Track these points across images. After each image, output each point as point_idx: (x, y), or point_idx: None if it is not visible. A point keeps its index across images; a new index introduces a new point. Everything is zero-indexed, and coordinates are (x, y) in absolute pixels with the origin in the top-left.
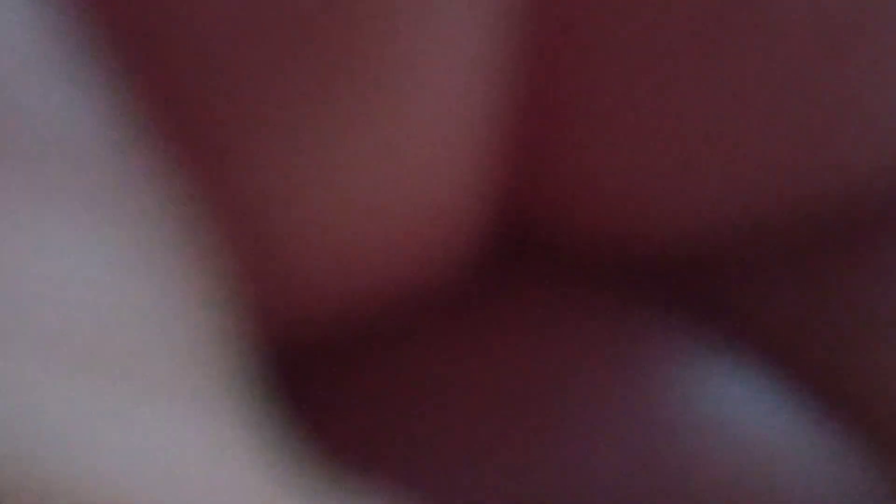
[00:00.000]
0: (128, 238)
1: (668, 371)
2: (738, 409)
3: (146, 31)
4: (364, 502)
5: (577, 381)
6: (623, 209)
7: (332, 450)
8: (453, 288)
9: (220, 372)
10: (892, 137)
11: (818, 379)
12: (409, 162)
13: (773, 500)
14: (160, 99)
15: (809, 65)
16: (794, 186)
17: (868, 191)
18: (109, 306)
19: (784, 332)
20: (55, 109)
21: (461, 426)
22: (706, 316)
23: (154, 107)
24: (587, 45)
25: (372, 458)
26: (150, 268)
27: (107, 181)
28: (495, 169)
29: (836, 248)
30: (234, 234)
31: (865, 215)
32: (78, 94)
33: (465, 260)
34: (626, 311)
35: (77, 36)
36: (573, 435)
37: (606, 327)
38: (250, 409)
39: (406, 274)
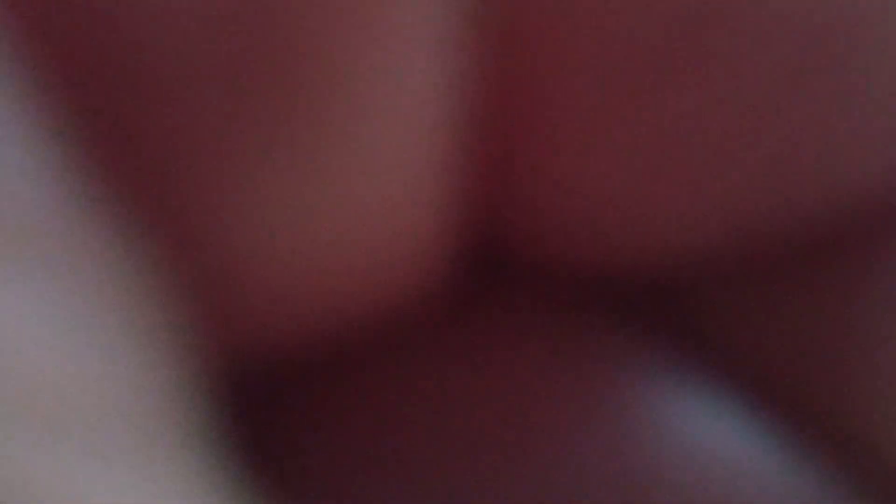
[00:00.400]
0: (82, 296)
1: (640, 393)
2: (710, 432)
3: (100, 85)
4: None
5: (548, 403)
6: (594, 232)
7: (298, 477)
8: (425, 311)
9: (179, 420)
10: (859, 157)
11: (791, 400)
12: (373, 189)
13: None
14: (116, 153)
15: (776, 87)
16: (765, 208)
17: (838, 211)
18: (65, 369)
19: (756, 354)
20: (6, 172)
21: (431, 451)
22: (679, 337)
23: (111, 162)
24: (552, 70)
25: (339, 486)
26: (107, 324)
27: (61, 241)
28: (463, 191)
29: (808, 269)
30: (195, 272)
31: (835, 236)
32: (29, 155)
33: (437, 283)
34: (598, 333)
35: (29, 97)
36: (544, 457)
37: (578, 350)
38: (211, 454)
39: (375, 300)
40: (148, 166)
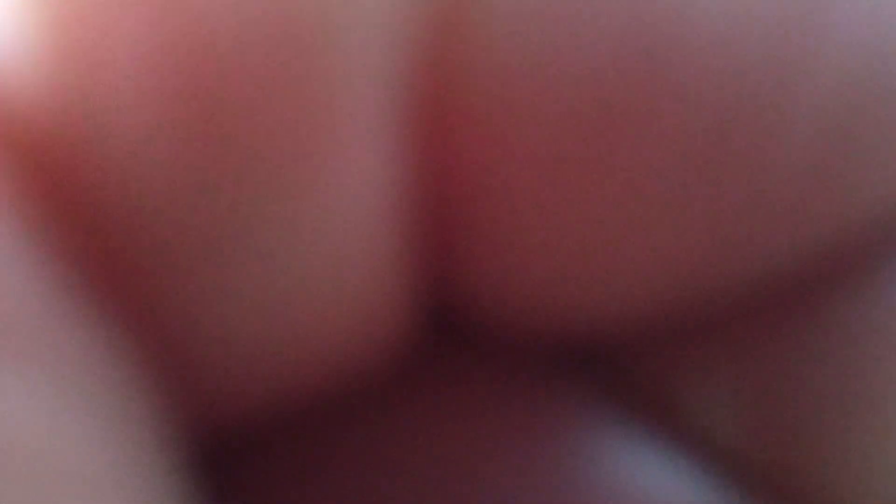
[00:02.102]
0: (61, 380)
1: (590, 450)
2: (660, 488)
3: (78, 206)
4: None
5: (500, 452)
6: (543, 297)
7: None
8: (383, 374)
9: (155, 478)
10: (808, 209)
11: (740, 457)
12: (327, 270)
13: None
14: (98, 260)
15: (705, 151)
16: (708, 268)
17: (781, 268)
18: (49, 449)
19: (707, 412)
20: None
21: (395, 493)
22: (629, 396)
23: (90, 264)
24: (496, 145)
25: None
26: (83, 406)
27: (45, 330)
28: (411, 254)
29: (757, 323)
30: (161, 348)
31: (777, 293)
32: (16, 251)
33: (394, 348)
34: (548, 389)
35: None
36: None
37: (530, 404)
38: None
39: (335, 367)
40: (126, 271)
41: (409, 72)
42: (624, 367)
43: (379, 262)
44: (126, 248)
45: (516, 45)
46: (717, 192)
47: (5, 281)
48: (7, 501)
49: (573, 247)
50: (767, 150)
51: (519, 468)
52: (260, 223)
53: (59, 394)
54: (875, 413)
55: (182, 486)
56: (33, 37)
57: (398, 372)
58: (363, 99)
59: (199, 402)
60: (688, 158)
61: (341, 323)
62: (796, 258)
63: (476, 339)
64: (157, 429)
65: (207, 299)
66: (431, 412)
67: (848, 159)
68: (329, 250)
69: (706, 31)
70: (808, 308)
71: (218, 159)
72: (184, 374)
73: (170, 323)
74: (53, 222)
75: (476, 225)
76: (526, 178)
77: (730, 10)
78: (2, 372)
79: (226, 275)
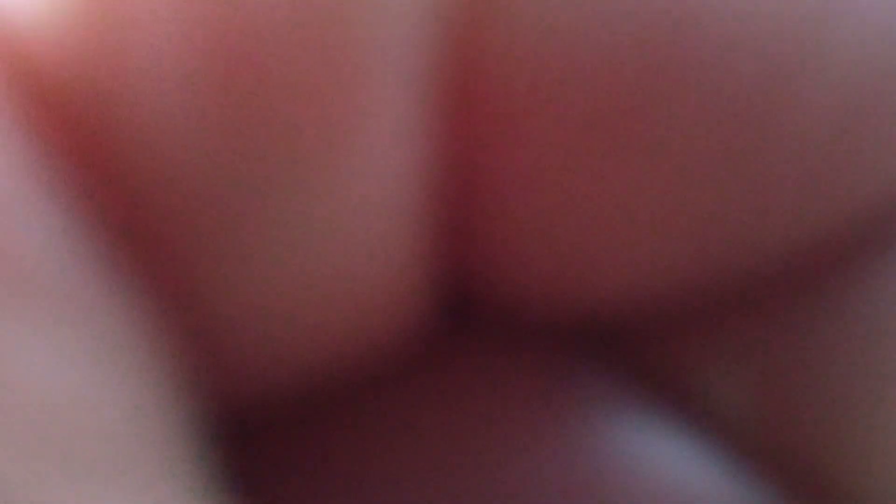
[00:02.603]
0: (86, 340)
1: (605, 429)
2: (671, 469)
3: (103, 168)
4: None
5: (516, 436)
6: (557, 281)
7: None
8: (400, 356)
9: (173, 450)
10: (822, 191)
11: (749, 437)
12: (344, 242)
13: None
14: (122, 217)
15: (729, 130)
16: (718, 252)
17: (791, 253)
18: (74, 406)
19: (714, 391)
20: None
21: (407, 491)
22: (640, 377)
23: (116, 231)
24: (513, 134)
25: None
26: (106, 365)
27: (70, 291)
28: (431, 241)
29: (769, 305)
30: (182, 321)
31: (789, 277)
32: (44, 218)
33: (410, 331)
34: (563, 374)
35: (47, 162)
36: (515, 497)
37: (547, 388)
38: (202, 484)
39: (352, 348)
40: (149, 236)
41: (437, 56)
42: (641, 351)
43: (400, 245)
44: (150, 212)
45: (542, 30)
46: (737, 173)
47: (33, 236)
48: (24, 452)
49: (593, 231)
50: (788, 128)
51: (537, 452)
52: (285, 196)
53: (81, 352)
54: (884, 397)
55: (198, 458)
56: None
57: (416, 356)
58: (393, 78)
59: (219, 378)
60: (710, 139)
61: (362, 305)
62: (814, 238)
63: (493, 325)
64: (178, 400)
65: (229, 271)
66: (448, 397)
67: (866, 139)
68: (352, 230)
69: (729, 13)
70: (823, 290)
71: (246, 126)
72: (204, 348)
73: (191, 293)
74: (80, 181)
75: (497, 208)
76: (548, 163)
77: None
78: (27, 327)
79: (248, 247)
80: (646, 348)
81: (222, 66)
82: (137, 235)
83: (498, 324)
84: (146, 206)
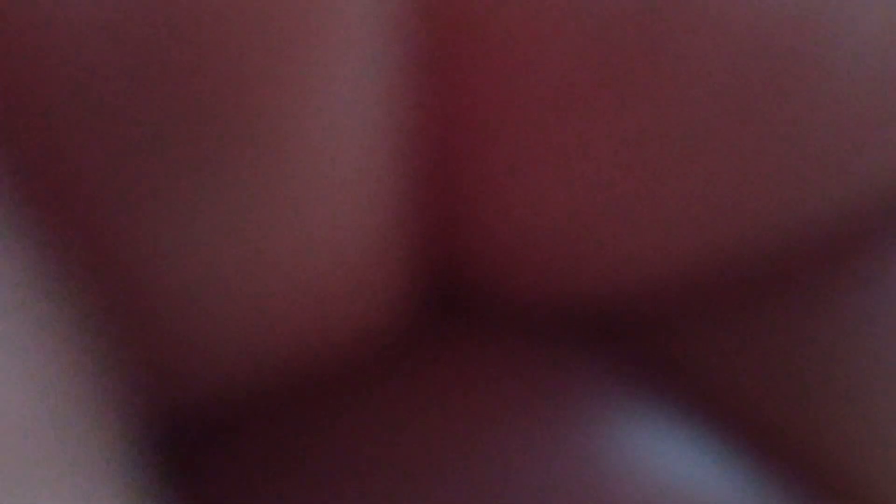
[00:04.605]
0: (18, 336)
1: (606, 425)
2: (680, 463)
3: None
4: None
5: (510, 436)
6: (553, 265)
7: None
8: (382, 347)
9: (112, 453)
10: (818, 183)
11: (762, 428)
12: (320, 224)
13: None
14: (47, 197)
15: (726, 114)
16: (729, 235)
17: (803, 238)
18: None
19: (727, 384)
20: None
21: (387, 486)
22: (642, 364)
23: (42, 206)
24: (498, 100)
25: None
26: (30, 363)
27: None
28: (413, 225)
29: (776, 291)
30: (121, 315)
31: (804, 263)
32: None
33: (394, 318)
34: (562, 364)
35: None
36: (506, 494)
37: (542, 382)
38: (145, 489)
39: (323, 339)
40: (81, 209)
41: (409, 5)
42: (640, 341)
43: (378, 223)
44: (77, 179)
45: None
46: (742, 143)
47: None
48: None
49: (586, 203)
50: (798, 107)
51: (532, 449)
52: (237, 161)
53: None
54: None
55: (143, 464)
56: None
57: (400, 349)
58: (356, 28)
59: (166, 377)
60: (714, 104)
61: (337, 289)
62: (824, 221)
63: (484, 315)
64: (119, 403)
65: (171, 251)
66: (436, 391)
67: (886, 116)
68: (318, 203)
69: None
70: (835, 279)
71: (182, 79)
72: (148, 344)
73: (127, 278)
74: None
75: (483, 182)
76: (535, 126)
77: None
78: None
79: (194, 223)
80: (650, 337)
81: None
82: (64, 214)
83: (489, 314)
84: (71, 166)
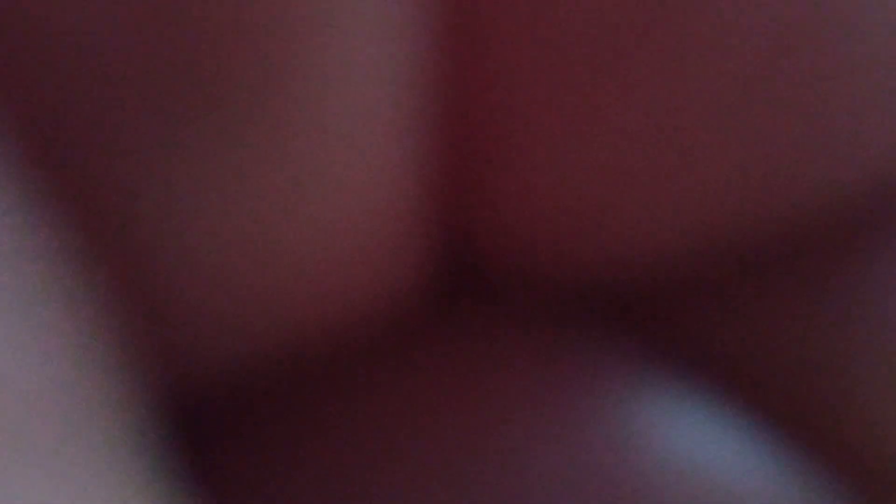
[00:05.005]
0: (29, 313)
1: (621, 401)
2: (696, 439)
3: (39, 101)
4: None
5: (526, 411)
6: (563, 238)
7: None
8: (400, 320)
9: (123, 430)
10: (829, 161)
11: (777, 407)
12: (339, 195)
13: None
14: (57, 158)
15: (742, 88)
16: (740, 211)
17: (814, 214)
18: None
19: (740, 359)
20: None
21: (404, 462)
22: (660, 343)
23: (55, 182)
24: (519, 73)
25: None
26: (42, 346)
27: (9, 263)
28: (436, 199)
29: (788, 269)
30: (129, 292)
31: (812, 240)
32: None
33: (412, 293)
34: (576, 343)
35: None
36: (524, 466)
37: (556, 360)
38: (156, 469)
39: (336, 315)
40: (96, 185)
41: None
42: (654, 317)
43: (398, 193)
44: (86, 155)
45: None
46: (754, 126)
47: None
48: None
49: (600, 183)
50: (812, 85)
51: (544, 425)
52: (247, 130)
53: (11, 332)
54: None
55: (157, 447)
56: None
57: (416, 323)
58: (374, 10)
59: (179, 358)
60: (727, 87)
61: (354, 260)
62: (831, 203)
63: (500, 289)
64: (131, 385)
65: (187, 230)
66: (449, 370)
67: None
68: (336, 181)
69: None
70: (841, 255)
71: (203, 39)
72: (160, 322)
73: (142, 258)
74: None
75: (498, 162)
76: (552, 107)
77: None
78: None
79: (210, 200)
80: (662, 313)
81: None
82: (69, 179)
83: (508, 289)
84: (80, 144)
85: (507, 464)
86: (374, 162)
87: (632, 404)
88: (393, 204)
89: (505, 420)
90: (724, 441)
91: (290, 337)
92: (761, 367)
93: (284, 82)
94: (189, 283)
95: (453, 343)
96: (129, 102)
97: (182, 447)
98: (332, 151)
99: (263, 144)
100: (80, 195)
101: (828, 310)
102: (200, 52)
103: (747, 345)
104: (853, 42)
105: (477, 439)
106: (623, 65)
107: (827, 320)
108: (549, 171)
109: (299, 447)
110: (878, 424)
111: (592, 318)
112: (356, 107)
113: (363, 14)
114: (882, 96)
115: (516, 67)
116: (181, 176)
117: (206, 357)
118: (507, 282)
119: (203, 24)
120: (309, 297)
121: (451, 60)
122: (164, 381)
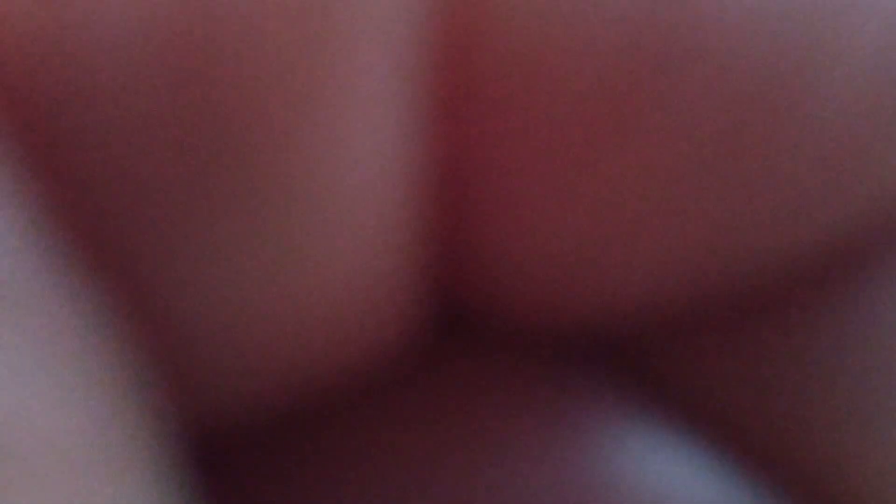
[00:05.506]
0: (52, 350)
1: (600, 438)
2: (673, 476)
3: (56, 150)
4: None
5: (511, 443)
6: (552, 282)
7: None
8: (390, 366)
9: (142, 462)
10: (813, 208)
11: (754, 445)
12: (333, 250)
13: None
14: (75, 215)
15: (723, 142)
16: (725, 251)
17: (796, 258)
18: (38, 407)
19: (721, 401)
20: None
21: (401, 488)
22: (643, 384)
23: (73, 224)
24: (508, 126)
25: None
26: (60, 374)
27: (22, 288)
28: (423, 244)
29: (771, 313)
30: (146, 328)
31: (794, 282)
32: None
33: (400, 343)
34: (559, 381)
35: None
36: (506, 494)
37: (541, 396)
38: (175, 497)
39: (334, 359)
40: (112, 238)
41: (426, 37)
42: (644, 358)
43: (391, 245)
44: (107, 205)
45: (539, 16)
46: (748, 172)
47: None
48: None
49: (587, 231)
50: (794, 136)
51: (537, 464)
52: (260, 186)
53: (42, 364)
54: (890, 404)
55: (173, 477)
56: None
57: (409, 367)
58: (377, 56)
59: (193, 394)
60: (715, 137)
61: (349, 309)
62: (817, 248)
63: (490, 334)
64: (150, 418)
65: (198, 272)
66: (440, 408)
67: (885, 136)
68: (337, 227)
69: (735, 9)
70: (826, 299)
71: (208, 107)
72: (175, 362)
73: (158, 301)
74: (32, 171)
75: (490, 209)
76: (543, 159)
77: None
78: None
79: (219, 243)
80: (648, 355)
81: (188, 35)
82: (93, 232)
83: (495, 333)
84: (101, 198)
85: (493, 482)
86: (371, 223)
87: (610, 436)
88: (395, 256)
89: (492, 443)
90: (699, 474)
91: (294, 379)
92: (738, 405)
93: (288, 154)
94: (215, 330)
95: (446, 377)
96: (153, 170)
97: (198, 477)
98: (344, 213)
99: (267, 208)
100: (110, 248)
101: (810, 352)
102: (216, 132)
103: (724, 384)
104: (835, 93)
105: (465, 460)
106: (610, 128)
107: (803, 362)
108: (536, 224)
109: (309, 466)
110: (862, 462)
111: (573, 358)
112: (355, 172)
113: (363, 88)
114: (862, 145)
115: (509, 127)
116: (211, 237)
117: (218, 395)
118: (495, 324)
119: (217, 106)
120: (309, 343)
121: (445, 121)
122: (180, 415)
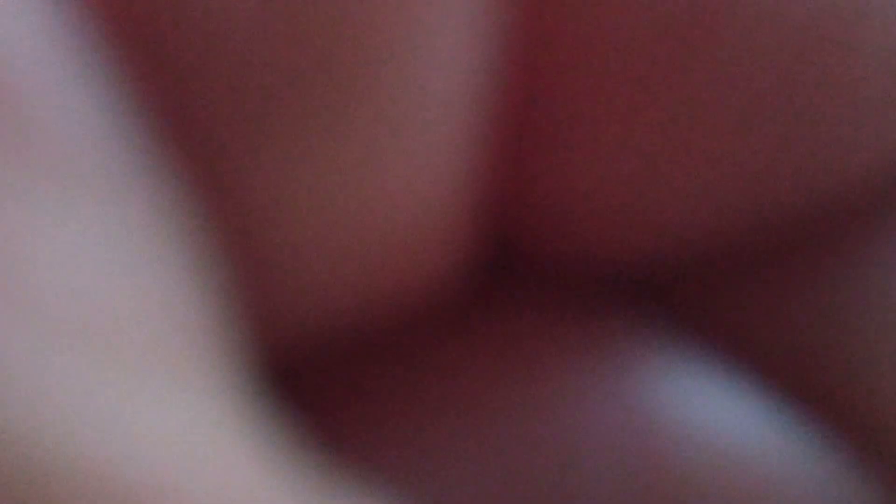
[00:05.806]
0: (125, 222)
1: (644, 374)
2: (714, 412)
3: (155, 34)
4: (357, 497)
5: (557, 380)
6: (602, 222)
7: (328, 446)
8: (447, 298)
9: (222, 362)
10: (845, 153)
11: (795, 381)
12: (396, 178)
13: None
14: (166, 103)
15: (765, 85)
16: (767, 193)
17: (840, 195)
18: (109, 285)
19: (759, 336)
20: (53, 94)
21: (454, 428)
22: (688, 322)
23: (159, 110)
24: (567, 63)
25: (367, 455)
26: (149, 252)
27: (105, 168)
28: (479, 185)
29: (809, 251)
30: (228, 239)
31: (837, 220)
32: (79, 83)
33: (453, 272)
34: (604, 319)
35: (85, 32)
36: (557, 438)
37: (587, 334)
38: (249, 401)
39: (394, 287)
40: (201, 129)
41: None
42: (685, 297)
43: (457, 176)
44: (201, 101)
45: None
46: (782, 126)
47: (69, 108)
48: (56, 346)
49: (639, 176)
50: (833, 90)
51: (582, 401)
52: (346, 100)
53: (111, 234)
54: None
55: (245, 391)
56: None
57: (460, 302)
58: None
59: (267, 303)
60: (759, 84)
61: (415, 232)
62: (850, 185)
63: (534, 272)
64: (225, 323)
65: (282, 178)
66: (490, 340)
67: None
68: (412, 147)
69: None
70: (853, 237)
71: (306, 19)
72: (251, 267)
73: (239, 201)
74: (127, 58)
75: (549, 151)
76: (602, 102)
77: None
78: (63, 202)
79: (304, 152)
80: (681, 293)
81: None
82: (182, 121)
83: (542, 272)
84: (194, 85)
85: (539, 416)
86: (443, 151)
87: (653, 371)
88: (453, 188)
89: (539, 379)
90: (736, 406)
91: (359, 301)
92: (780, 343)
93: (378, 75)
94: (280, 235)
95: (496, 315)
96: (248, 65)
97: (268, 393)
98: (407, 138)
99: (353, 121)
100: (198, 139)
101: (836, 285)
102: (320, 59)
103: (760, 318)
104: (849, 58)
105: (514, 396)
106: (668, 69)
107: (836, 295)
108: (590, 167)
109: (365, 398)
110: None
111: (617, 296)
112: (433, 103)
113: (446, 17)
114: (878, 104)
115: (574, 74)
116: (285, 139)
117: (291, 307)
118: (542, 266)
119: (315, 30)
120: (377, 262)
121: (516, 64)
122: (255, 326)
